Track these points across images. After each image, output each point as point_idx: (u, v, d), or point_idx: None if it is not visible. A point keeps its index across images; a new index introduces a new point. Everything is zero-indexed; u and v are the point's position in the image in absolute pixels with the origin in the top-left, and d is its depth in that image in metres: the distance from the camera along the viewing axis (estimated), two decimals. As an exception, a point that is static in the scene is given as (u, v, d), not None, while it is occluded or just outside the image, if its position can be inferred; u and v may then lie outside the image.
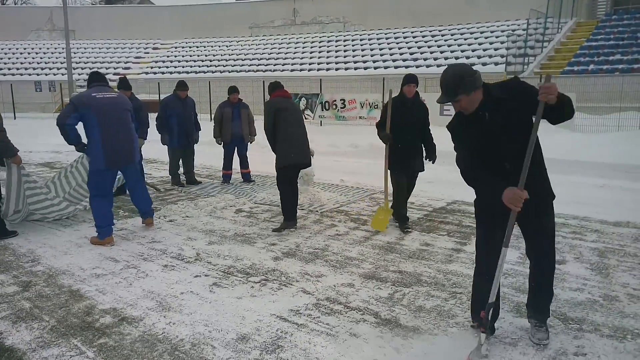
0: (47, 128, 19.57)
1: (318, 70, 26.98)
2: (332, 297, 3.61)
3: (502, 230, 2.78)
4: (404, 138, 5.28)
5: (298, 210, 6.25)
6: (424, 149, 5.56)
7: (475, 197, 3.00)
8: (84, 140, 4.92)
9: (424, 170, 5.53)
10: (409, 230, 5.35)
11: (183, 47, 34.94)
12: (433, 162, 5.59)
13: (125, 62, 33.59)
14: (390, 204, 5.50)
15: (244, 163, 8.56)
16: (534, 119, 2.68)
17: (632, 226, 5.56)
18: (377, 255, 4.58)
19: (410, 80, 5.36)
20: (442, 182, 8.43)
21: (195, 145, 8.32)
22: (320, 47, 30.76)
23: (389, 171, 5.45)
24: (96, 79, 5.08)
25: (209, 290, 3.76)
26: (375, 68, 25.48)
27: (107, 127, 4.81)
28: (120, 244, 4.93)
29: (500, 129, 2.72)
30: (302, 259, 4.47)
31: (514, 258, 4.48)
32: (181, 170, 8.29)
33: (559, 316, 3.28)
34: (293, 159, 5.40)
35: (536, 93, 2.64)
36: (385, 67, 25.16)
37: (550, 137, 12.39)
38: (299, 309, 3.42)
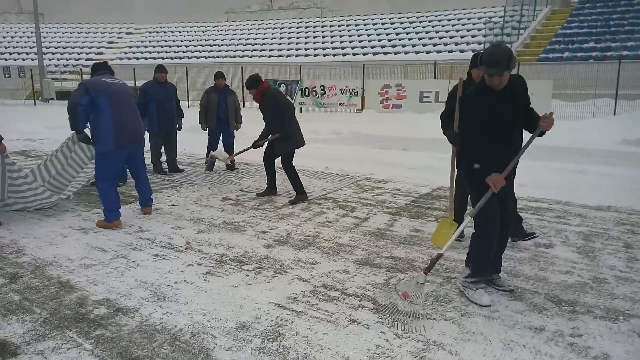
0: (19, 115, 19.03)
1: (297, 56, 26.80)
2: (328, 284, 3.61)
3: (496, 195, 3.26)
4: None
5: (285, 198, 6.31)
6: None
7: (471, 169, 3.34)
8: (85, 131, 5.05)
9: None
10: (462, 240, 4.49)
11: (158, 32, 34.25)
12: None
13: (98, 47, 32.78)
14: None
15: (229, 151, 8.45)
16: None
17: (613, 210, 5.70)
18: (368, 241, 4.59)
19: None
20: (425, 168, 8.50)
21: (177, 132, 8.20)
22: (298, 32, 30.53)
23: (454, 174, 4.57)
24: (102, 68, 5.19)
25: (203, 279, 3.72)
26: (353, 54, 25.44)
27: (119, 109, 4.88)
28: (108, 234, 4.82)
29: (516, 107, 3.25)
30: (294, 246, 4.45)
31: (503, 243, 4.55)
32: (163, 157, 8.15)
33: (551, 299, 3.35)
34: (299, 142, 6.14)
35: (527, 96, 3.36)
36: (364, 54, 25.16)
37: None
38: (297, 296, 3.41)
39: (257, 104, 6.18)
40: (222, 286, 3.58)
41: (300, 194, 6.14)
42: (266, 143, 6.25)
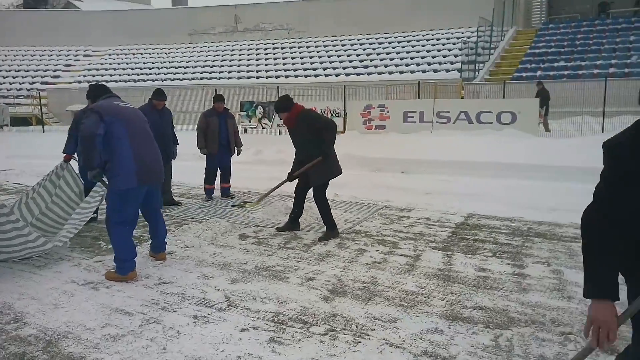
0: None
1: (267, 77, 26.21)
2: (429, 351, 2.94)
3: None
4: None
5: (310, 233, 5.63)
6: None
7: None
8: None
9: None
10: None
11: (118, 55, 32.93)
12: None
13: (54, 70, 31.14)
14: None
15: (226, 176, 7.82)
16: None
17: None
18: (438, 287, 3.95)
19: None
20: (440, 193, 8.01)
21: (172, 161, 7.40)
22: (266, 54, 30.00)
23: None
24: (106, 90, 4.44)
25: (270, 350, 2.97)
26: (326, 75, 25.08)
27: (137, 138, 4.12)
28: (124, 289, 3.98)
29: None
30: (357, 297, 3.76)
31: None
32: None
33: None
34: (337, 170, 5.52)
35: None
36: (337, 75, 24.83)
37: (527, 142, 12.37)
38: (400, 370, 2.73)
39: (287, 128, 5.59)
40: (299, 360, 2.85)
41: (331, 229, 5.45)
42: (299, 171, 5.52)
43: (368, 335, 3.14)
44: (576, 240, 5.18)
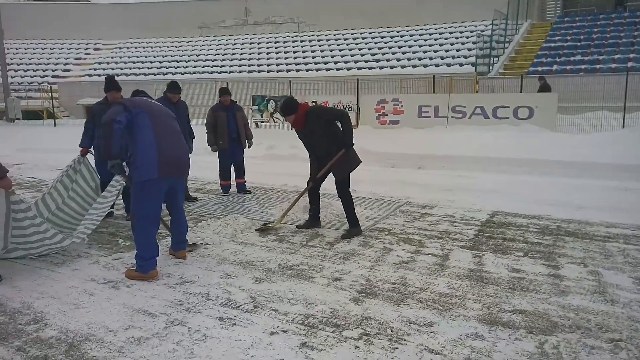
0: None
1: (278, 71, 26.01)
2: (472, 358, 2.77)
3: None
4: None
5: (331, 230, 5.47)
6: None
7: None
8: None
9: None
10: None
11: (128, 48, 32.85)
12: None
13: (65, 64, 31.09)
14: None
15: (240, 171, 7.66)
16: None
17: None
18: (471, 288, 3.79)
19: None
20: (460, 189, 7.81)
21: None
22: (276, 47, 29.78)
23: None
24: (142, 92, 4.51)
25: (303, 355, 2.82)
26: (338, 69, 24.83)
27: (163, 129, 4.04)
28: (145, 288, 3.85)
29: None
30: (388, 299, 3.60)
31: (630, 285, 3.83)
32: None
33: None
34: (358, 159, 5.35)
35: None
36: (348, 69, 24.58)
37: (545, 137, 12.10)
38: (443, 380, 2.57)
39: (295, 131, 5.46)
40: (335, 367, 2.70)
41: (355, 227, 5.30)
42: (324, 170, 5.33)
43: (405, 340, 2.98)
44: (610, 240, 4.98)
